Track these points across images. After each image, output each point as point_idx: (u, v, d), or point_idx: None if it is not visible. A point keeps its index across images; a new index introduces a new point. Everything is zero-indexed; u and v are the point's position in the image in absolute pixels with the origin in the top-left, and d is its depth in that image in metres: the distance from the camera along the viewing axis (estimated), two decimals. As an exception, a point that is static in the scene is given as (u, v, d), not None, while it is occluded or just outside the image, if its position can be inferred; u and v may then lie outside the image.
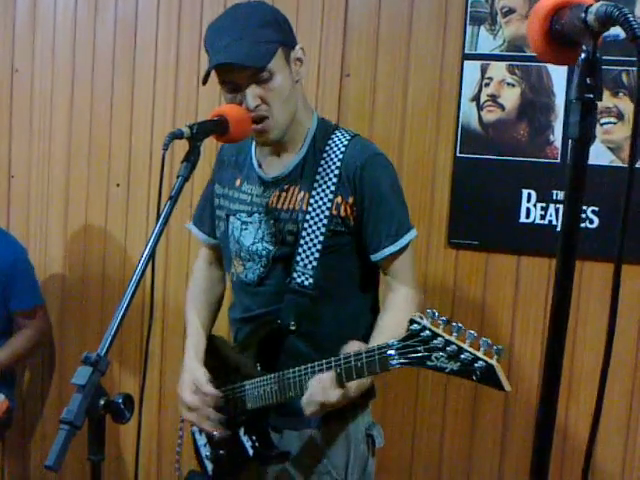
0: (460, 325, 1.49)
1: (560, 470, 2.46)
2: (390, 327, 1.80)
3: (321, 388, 1.70)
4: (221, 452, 2.01)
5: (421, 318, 1.54)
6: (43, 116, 3.00)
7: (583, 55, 1.00)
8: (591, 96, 1.01)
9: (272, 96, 1.76)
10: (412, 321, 1.54)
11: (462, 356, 1.47)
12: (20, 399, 3.06)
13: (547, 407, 1.10)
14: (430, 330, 1.52)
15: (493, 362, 1.44)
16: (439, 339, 1.50)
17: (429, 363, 1.52)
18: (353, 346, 1.72)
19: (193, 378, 1.95)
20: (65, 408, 1.18)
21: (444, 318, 1.51)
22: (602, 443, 2.45)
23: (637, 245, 2.30)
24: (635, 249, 2.30)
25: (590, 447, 1.03)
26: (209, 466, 2.07)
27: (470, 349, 1.47)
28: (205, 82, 1.77)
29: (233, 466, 2.02)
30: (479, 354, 1.45)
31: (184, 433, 2.20)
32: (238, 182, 1.97)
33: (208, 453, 2.06)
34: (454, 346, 1.48)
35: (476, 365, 1.45)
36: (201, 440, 2.08)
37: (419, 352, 1.53)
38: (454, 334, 1.50)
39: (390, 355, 1.58)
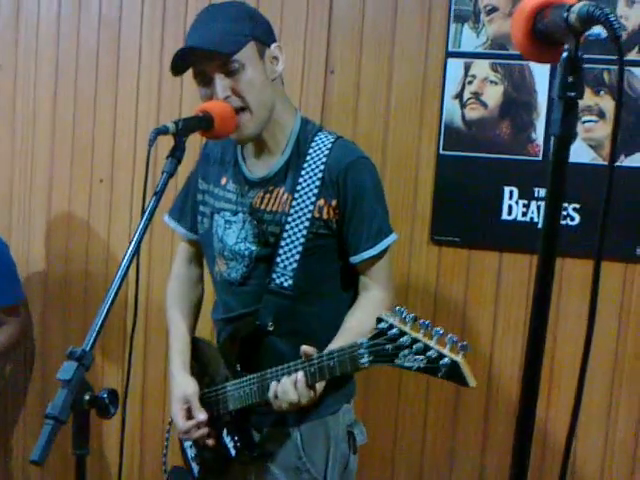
0: (427, 322, 1.48)
1: (541, 463, 2.49)
2: (356, 329, 1.81)
3: (291, 384, 1.71)
4: (206, 454, 2.02)
5: (388, 316, 1.54)
6: (26, 113, 2.98)
7: (565, 54, 1.02)
8: (573, 94, 1.02)
9: (243, 89, 1.75)
10: (379, 319, 1.54)
11: (428, 353, 1.46)
12: (2, 394, 3.04)
13: (528, 402, 1.12)
14: (397, 328, 1.52)
15: (458, 358, 1.43)
16: (406, 337, 1.49)
17: (397, 361, 1.51)
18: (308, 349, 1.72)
19: (184, 397, 1.94)
20: (50, 403, 1.18)
21: (412, 315, 1.50)
22: (582, 437, 2.48)
23: (616, 242, 2.33)
24: (614, 246, 2.33)
25: (569, 442, 1.04)
26: (195, 468, 2.07)
27: (436, 346, 1.46)
28: (174, 71, 1.76)
29: (217, 467, 2.02)
30: (444, 351, 1.44)
31: (170, 435, 2.20)
32: (224, 180, 1.97)
33: (194, 455, 2.06)
34: (420, 344, 1.47)
35: (441, 362, 1.43)
36: (187, 442, 2.08)
37: (387, 350, 1.53)
38: (421, 331, 1.49)
39: (360, 354, 1.58)
